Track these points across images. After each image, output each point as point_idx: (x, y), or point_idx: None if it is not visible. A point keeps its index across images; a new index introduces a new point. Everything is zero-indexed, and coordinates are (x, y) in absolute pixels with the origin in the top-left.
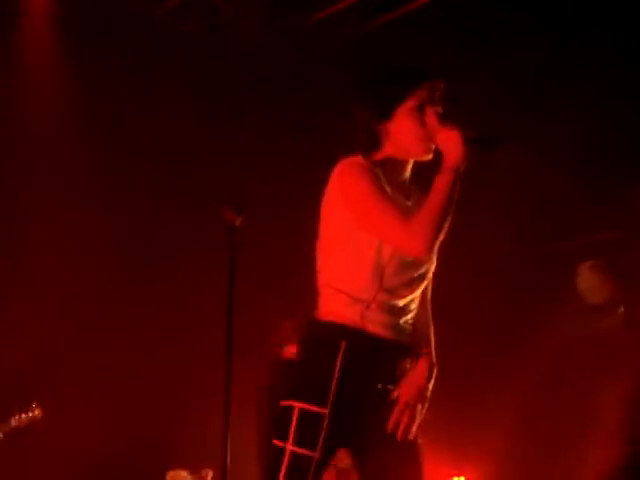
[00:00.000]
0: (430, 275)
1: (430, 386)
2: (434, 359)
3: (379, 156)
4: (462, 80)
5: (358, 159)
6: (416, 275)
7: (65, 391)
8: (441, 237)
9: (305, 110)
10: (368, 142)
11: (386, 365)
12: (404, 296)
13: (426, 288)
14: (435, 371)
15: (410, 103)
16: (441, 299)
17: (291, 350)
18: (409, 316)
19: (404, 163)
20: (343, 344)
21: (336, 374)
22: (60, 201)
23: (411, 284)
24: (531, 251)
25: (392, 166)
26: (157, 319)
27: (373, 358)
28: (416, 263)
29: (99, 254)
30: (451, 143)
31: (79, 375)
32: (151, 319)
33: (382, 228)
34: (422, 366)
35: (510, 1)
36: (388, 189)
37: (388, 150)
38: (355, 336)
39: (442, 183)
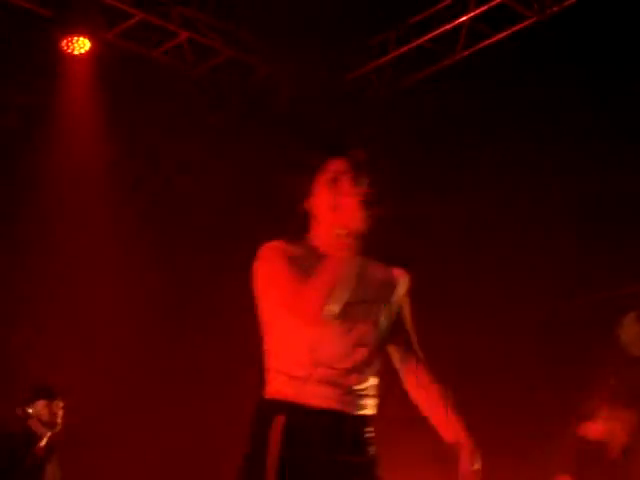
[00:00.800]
0: (369, 340)
1: (477, 470)
2: (470, 444)
3: (312, 239)
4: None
5: (273, 242)
6: (352, 344)
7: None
8: (332, 302)
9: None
10: (297, 222)
11: (330, 435)
12: (344, 368)
13: (411, 358)
14: (477, 456)
15: (324, 176)
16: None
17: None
18: (355, 385)
19: (327, 241)
20: (279, 419)
21: (275, 447)
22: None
23: (349, 354)
24: (570, 304)
25: (316, 246)
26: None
27: (313, 429)
28: (349, 332)
29: (140, 314)
30: (350, 208)
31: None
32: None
33: (280, 297)
34: (462, 465)
35: None
36: (307, 263)
37: (316, 230)
38: (292, 410)
39: (338, 248)
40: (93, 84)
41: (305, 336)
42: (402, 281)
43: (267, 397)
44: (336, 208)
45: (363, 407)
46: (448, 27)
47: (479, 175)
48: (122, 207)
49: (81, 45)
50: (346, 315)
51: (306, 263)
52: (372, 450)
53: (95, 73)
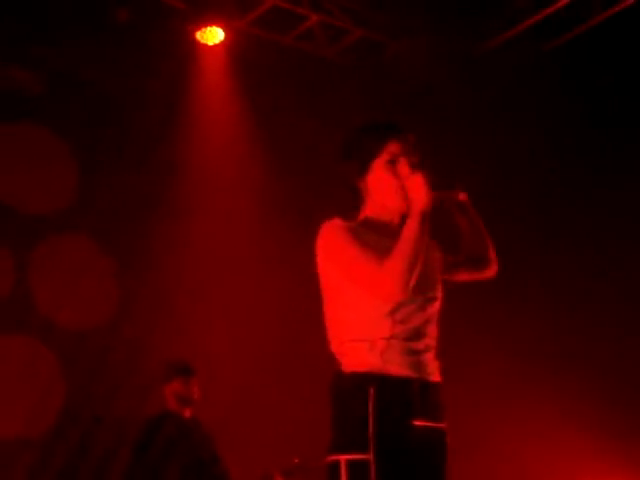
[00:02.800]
0: (436, 310)
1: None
2: None
3: (362, 214)
4: None
5: (335, 221)
6: (426, 316)
7: None
8: (413, 276)
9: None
10: (352, 199)
11: (415, 403)
12: (419, 336)
13: None
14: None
15: (383, 157)
16: None
17: None
18: (428, 352)
19: (387, 219)
20: (371, 391)
21: (371, 420)
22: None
23: (422, 325)
24: None
25: (375, 223)
26: None
27: (401, 399)
28: (418, 290)
29: None
30: (416, 188)
31: None
32: None
33: (358, 275)
34: None
35: None
36: (372, 241)
37: (370, 206)
38: (380, 381)
39: (409, 227)
40: (228, 73)
41: (382, 307)
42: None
43: (350, 369)
44: (398, 190)
45: (436, 374)
46: None
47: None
48: (263, 194)
49: (215, 35)
50: (419, 286)
51: (368, 238)
52: (445, 416)
53: (229, 62)
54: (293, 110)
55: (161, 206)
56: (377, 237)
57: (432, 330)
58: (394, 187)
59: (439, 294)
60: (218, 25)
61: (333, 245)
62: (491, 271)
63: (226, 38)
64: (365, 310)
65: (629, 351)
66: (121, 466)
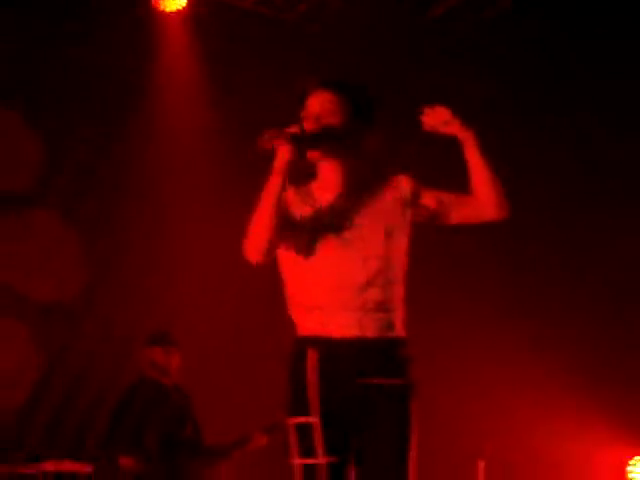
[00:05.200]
0: (380, 251)
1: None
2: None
3: None
4: None
5: None
6: (359, 261)
7: None
8: (263, 237)
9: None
10: None
11: (359, 363)
12: (352, 284)
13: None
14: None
15: (302, 114)
16: None
17: None
18: (373, 303)
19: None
20: (310, 353)
21: (310, 382)
22: None
23: (355, 270)
24: None
25: (319, 169)
26: None
27: (341, 359)
28: (353, 250)
29: None
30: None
31: None
32: None
33: None
34: None
35: None
36: (308, 190)
37: None
38: (319, 344)
39: (264, 188)
40: (189, 39)
41: (310, 263)
42: (403, 186)
43: (298, 335)
44: None
45: (388, 328)
46: None
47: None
48: (227, 161)
49: (175, 1)
50: (349, 230)
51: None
52: (405, 372)
53: (190, 28)
54: (254, 75)
55: (129, 179)
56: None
57: (378, 292)
58: None
59: (386, 251)
60: None
61: None
62: (494, 210)
63: (186, 4)
64: (297, 273)
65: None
66: (99, 433)
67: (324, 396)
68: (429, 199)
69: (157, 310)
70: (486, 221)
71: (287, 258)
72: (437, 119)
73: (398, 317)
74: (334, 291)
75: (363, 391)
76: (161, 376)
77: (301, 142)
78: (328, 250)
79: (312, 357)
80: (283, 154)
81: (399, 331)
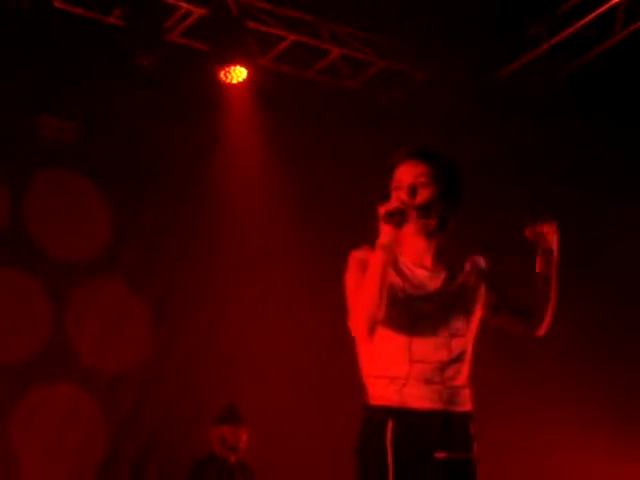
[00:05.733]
0: (464, 331)
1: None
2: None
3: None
4: None
5: (355, 251)
6: (444, 338)
7: None
8: (371, 313)
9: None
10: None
11: (435, 435)
12: (439, 360)
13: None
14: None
15: (393, 184)
16: None
17: None
18: (452, 379)
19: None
20: (389, 424)
21: (389, 453)
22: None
23: (440, 347)
24: None
25: (406, 242)
26: None
27: (419, 431)
28: (439, 326)
29: None
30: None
31: None
32: None
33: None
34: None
35: None
36: (398, 264)
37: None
38: (398, 414)
39: (371, 267)
40: (253, 110)
41: (398, 336)
42: (475, 266)
43: (372, 404)
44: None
45: (463, 403)
46: (602, 10)
47: None
48: (291, 229)
49: (239, 74)
50: (437, 307)
51: (403, 260)
52: (475, 447)
53: (254, 99)
54: (319, 144)
55: (195, 248)
56: (405, 261)
57: (459, 368)
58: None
59: (467, 329)
60: (241, 64)
61: (346, 276)
62: (539, 331)
63: (250, 76)
64: (382, 346)
65: None
66: None
67: (398, 467)
68: (495, 290)
69: (223, 384)
70: (519, 334)
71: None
72: (544, 230)
73: (470, 392)
74: (419, 365)
75: (437, 464)
76: (230, 454)
77: (405, 216)
78: (418, 325)
79: (389, 427)
80: (391, 229)
81: (470, 406)
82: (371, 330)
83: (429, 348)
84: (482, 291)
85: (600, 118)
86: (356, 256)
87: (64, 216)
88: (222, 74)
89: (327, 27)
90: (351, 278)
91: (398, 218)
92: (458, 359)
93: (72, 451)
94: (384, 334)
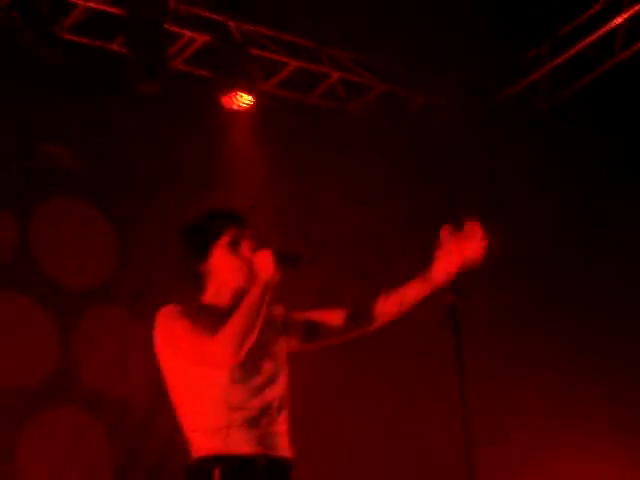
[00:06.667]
0: (278, 377)
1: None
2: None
3: (203, 300)
4: None
5: (169, 306)
6: (262, 382)
7: None
8: (248, 342)
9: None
10: (193, 283)
11: (260, 478)
12: (257, 406)
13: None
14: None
15: (223, 240)
16: None
17: None
18: (273, 425)
19: (226, 304)
20: (217, 472)
21: None
22: None
23: (260, 391)
24: None
25: (215, 308)
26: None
27: (245, 476)
28: (255, 371)
29: None
30: (263, 262)
31: None
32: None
33: (195, 351)
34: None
35: None
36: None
37: (211, 291)
38: (225, 461)
39: (250, 296)
40: (257, 135)
41: (215, 385)
42: (279, 313)
43: (198, 456)
44: (239, 269)
45: (283, 448)
46: (602, 32)
47: None
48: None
49: (242, 100)
50: (252, 356)
51: (205, 318)
52: None
53: (257, 125)
54: (322, 167)
55: None
56: (214, 321)
57: (278, 412)
58: (236, 266)
59: (282, 377)
60: (245, 90)
61: (166, 329)
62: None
63: (253, 102)
64: (201, 398)
65: None
66: None
67: None
68: (295, 328)
69: None
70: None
71: (189, 380)
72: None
73: (288, 439)
74: (238, 412)
75: None
76: None
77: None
78: (235, 373)
79: (217, 475)
80: (277, 272)
81: (291, 452)
82: (238, 360)
83: (246, 395)
84: (283, 339)
85: (603, 137)
86: (175, 308)
87: (70, 243)
88: (225, 101)
89: (326, 52)
90: (183, 322)
91: (293, 263)
92: (275, 404)
93: (79, 475)
94: (202, 385)
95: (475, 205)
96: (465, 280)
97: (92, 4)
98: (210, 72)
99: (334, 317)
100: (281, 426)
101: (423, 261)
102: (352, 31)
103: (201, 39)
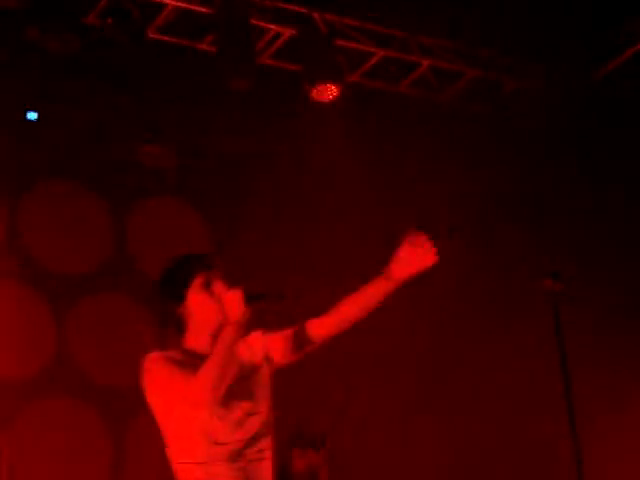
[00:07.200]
0: (259, 408)
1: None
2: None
3: (184, 344)
4: None
5: (153, 354)
6: (242, 415)
7: None
8: (226, 381)
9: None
10: (175, 327)
11: None
12: (240, 439)
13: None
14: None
15: (197, 283)
16: None
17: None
18: (255, 454)
19: (206, 346)
20: None
21: None
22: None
23: (241, 424)
24: None
25: (196, 352)
26: (493, 384)
27: None
28: (235, 407)
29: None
30: (233, 301)
31: None
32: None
33: (178, 393)
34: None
35: None
36: (190, 366)
37: (191, 334)
38: None
39: (224, 335)
40: (345, 127)
41: (198, 422)
42: (257, 343)
43: None
44: (215, 306)
45: (265, 476)
46: None
47: None
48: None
49: (330, 91)
50: (231, 391)
51: (188, 362)
52: None
53: (346, 116)
54: (414, 157)
55: (293, 260)
56: (196, 364)
57: (259, 446)
58: (211, 306)
59: (262, 408)
60: (332, 82)
61: (152, 373)
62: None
63: (341, 93)
64: (185, 435)
65: None
66: None
67: None
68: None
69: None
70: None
71: (174, 419)
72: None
73: (272, 468)
74: (219, 447)
75: None
76: (308, 476)
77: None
78: (215, 408)
79: None
80: (247, 311)
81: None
82: (217, 399)
83: (227, 430)
84: (266, 369)
85: None
86: (159, 355)
87: (165, 240)
88: (313, 93)
89: (416, 40)
90: (167, 367)
91: (262, 299)
92: (256, 437)
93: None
94: (186, 422)
95: (579, 189)
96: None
97: (181, 4)
98: (297, 65)
99: (313, 325)
100: (264, 453)
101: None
102: (438, 17)
103: (287, 33)
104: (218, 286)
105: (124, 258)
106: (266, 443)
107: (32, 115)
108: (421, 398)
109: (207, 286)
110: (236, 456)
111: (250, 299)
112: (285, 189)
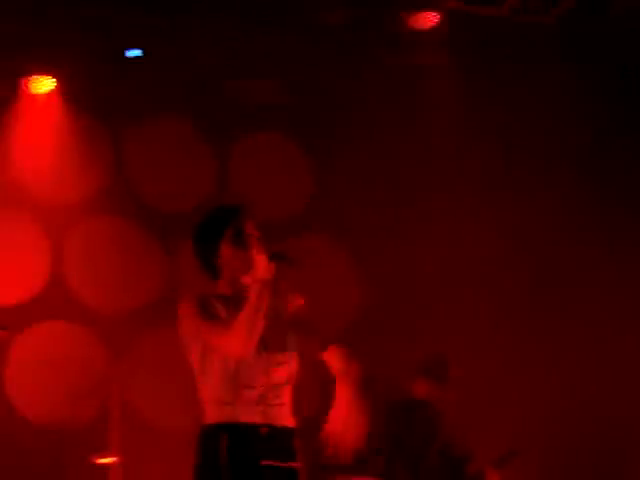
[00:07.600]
0: (284, 359)
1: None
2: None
3: (218, 290)
4: None
5: (187, 302)
6: (270, 364)
7: None
8: (255, 336)
9: None
10: (211, 275)
11: (262, 445)
12: (264, 384)
13: None
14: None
15: (228, 234)
16: None
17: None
18: (275, 400)
19: (238, 292)
20: (224, 437)
21: (223, 464)
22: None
23: (268, 372)
24: None
25: (228, 297)
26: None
27: (249, 442)
28: (263, 355)
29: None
30: (258, 260)
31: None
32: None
33: (211, 342)
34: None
35: None
36: (223, 313)
37: (224, 281)
38: (232, 429)
39: (251, 293)
40: (445, 54)
41: (229, 368)
42: (294, 302)
43: (208, 423)
44: (245, 258)
45: (286, 418)
46: None
47: None
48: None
49: (428, 19)
50: (263, 341)
51: (221, 306)
52: (297, 458)
53: (445, 43)
54: (516, 85)
55: (391, 198)
56: (228, 310)
57: (281, 394)
58: (242, 258)
59: (288, 359)
60: (431, 8)
61: (186, 318)
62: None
63: (439, 20)
64: (214, 376)
65: None
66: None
67: (233, 474)
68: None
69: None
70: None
71: (208, 360)
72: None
73: (290, 410)
74: (246, 390)
75: (263, 471)
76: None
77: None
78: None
79: (224, 439)
80: (271, 269)
81: (293, 422)
82: (248, 351)
83: (254, 375)
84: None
85: None
86: (192, 304)
87: (268, 176)
88: (410, 20)
89: None
90: (201, 313)
91: (289, 260)
92: (280, 385)
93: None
94: (215, 365)
95: None
96: None
97: None
98: None
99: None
100: (284, 399)
101: None
102: None
103: None
104: (249, 238)
105: (226, 196)
106: (287, 390)
107: (134, 52)
108: (533, 329)
109: (238, 238)
110: (260, 399)
111: (274, 257)
112: (382, 122)
